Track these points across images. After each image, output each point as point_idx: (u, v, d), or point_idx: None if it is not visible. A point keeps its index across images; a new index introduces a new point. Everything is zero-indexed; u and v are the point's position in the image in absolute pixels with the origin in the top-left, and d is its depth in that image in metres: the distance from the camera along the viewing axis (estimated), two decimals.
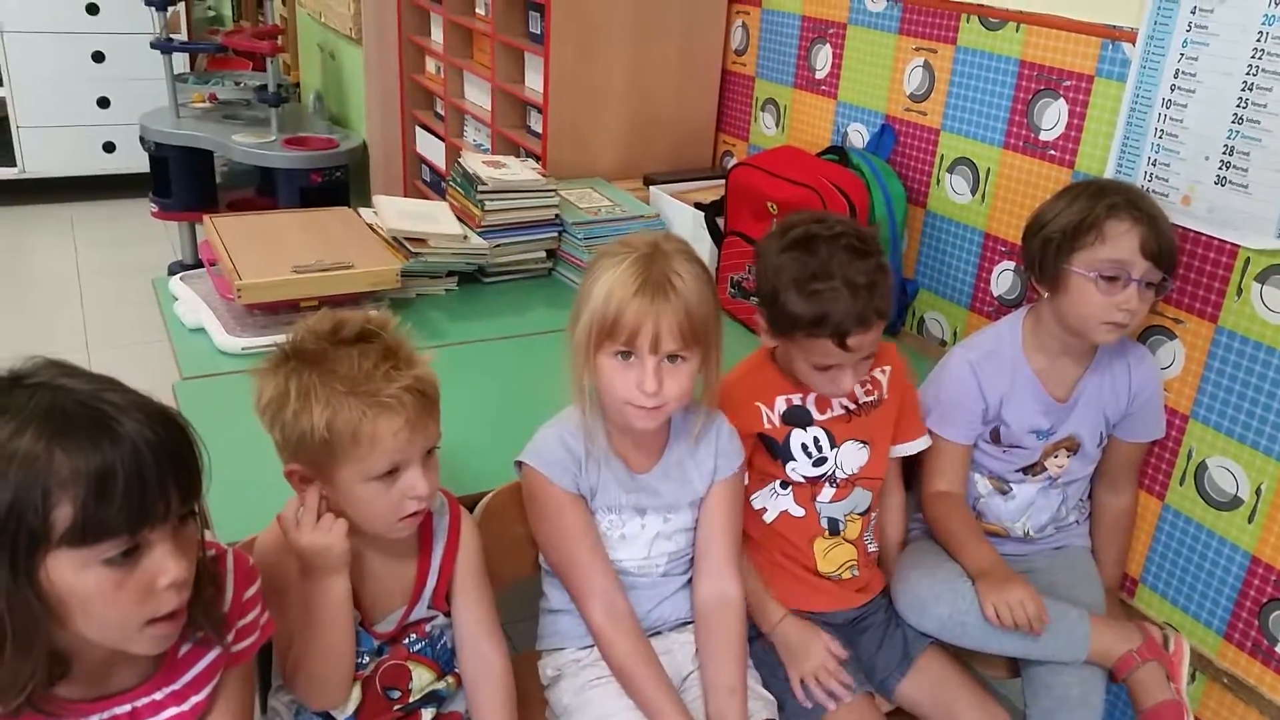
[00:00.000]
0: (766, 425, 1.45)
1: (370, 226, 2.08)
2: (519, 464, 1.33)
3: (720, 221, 2.19)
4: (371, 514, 1.12)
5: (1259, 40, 1.45)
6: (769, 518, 1.48)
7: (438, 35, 3.10)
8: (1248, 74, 1.47)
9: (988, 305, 1.94)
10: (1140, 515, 1.69)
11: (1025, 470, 1.58)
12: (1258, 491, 1.53)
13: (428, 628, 1.25)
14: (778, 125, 2.44)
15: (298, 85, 4.61)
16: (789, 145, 2.27)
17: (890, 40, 2.08)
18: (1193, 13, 1.53)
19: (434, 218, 2.08)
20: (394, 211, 2.08)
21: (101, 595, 0.83)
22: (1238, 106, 1.49)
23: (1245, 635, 1.57)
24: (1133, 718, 1.46)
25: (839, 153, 2.09)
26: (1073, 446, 1.56)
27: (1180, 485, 1.64)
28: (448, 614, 1.27)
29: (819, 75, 2.28)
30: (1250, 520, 1.54)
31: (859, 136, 2.19)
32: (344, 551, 1.12)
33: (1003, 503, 1.60)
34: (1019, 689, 1.50)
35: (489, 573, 1.30)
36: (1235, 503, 1.56)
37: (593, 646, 1.33)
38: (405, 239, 1.98)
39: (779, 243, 1.38)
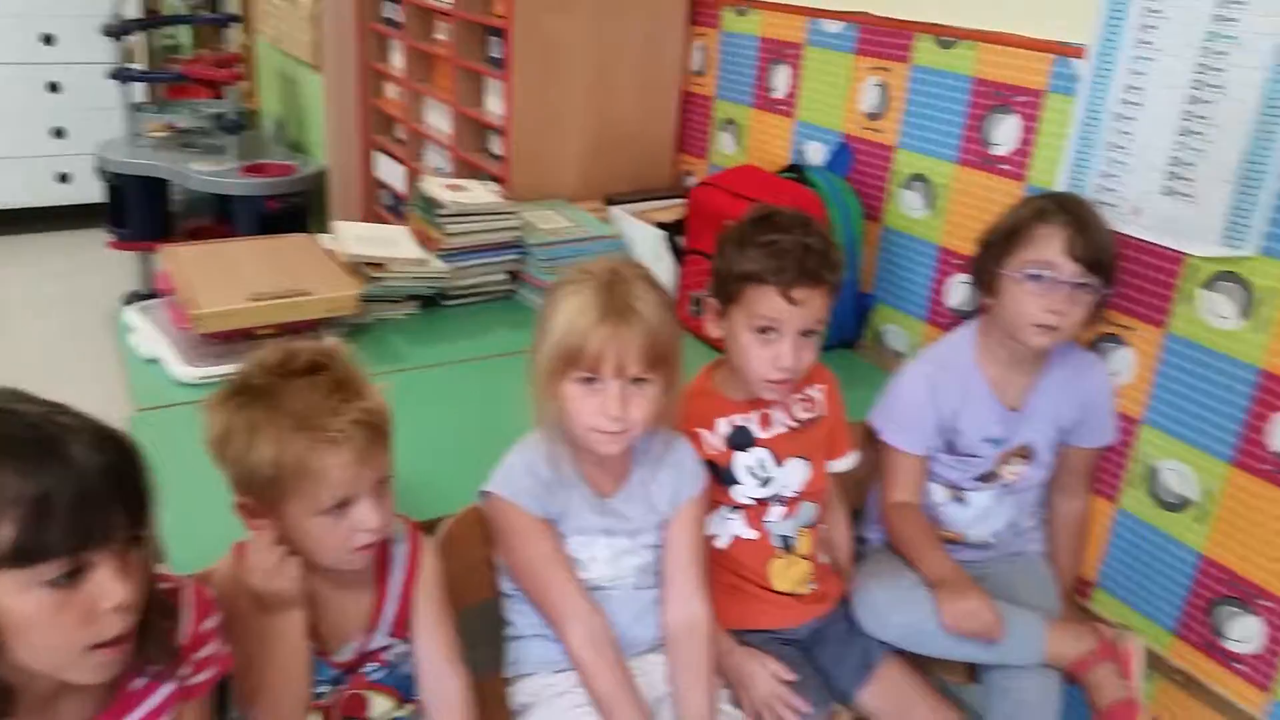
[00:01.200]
0: (710, 450, 1.46)
1: (328, 252, 2.07)
2: (485, 493, 1.32)
3: (681, 240, 2.21)
4: (323, 547, 1.12)
5: (1202, 55, 1.49)
6: (721, 543, 1.49)
7: (397, 60, 3.11)
8: (1192, 88, 1.51)
9: (944, 317, 1.97)
10: (1094, 519, 1.72)
11: (981, 478, 1.60)
12: (1207, 493, 1.56)
13: (387, 656, 1.24)
14: (737, 145, 2.46)
15: (257, 113, 4.60)
16: (748, 164, 2.29)
17: (846, 60, 2.11)
18: (1140, 29, 1.57)
19: (393, 242, 2.08)
20: (352, 236, 2.08)
21: (42, 618, 0.82)
22: (1183, 119, 1.53)
23: (1197, 633, 1.60)
24: (1089, 718, 1.48)
25: (797, 171, 2.12)
26: (1026, 454, 1.59)
27: (1133, 488, 1.67)
28: (408, 641, 1.26)
29: (777, 95, 2.31)
30: (1200, 521, 1.57)
31: (817, 155, 2.22)
32: (297, 590, 1.12)
33: (959, 510, 1.62)
34: (979, 694, 1.52)
35: (451, 597, 1.30)
36: (1186, 504, 1.59)
37: (568, 671, 1.33)
38: (364, 264, 1.98)
39: (738, 224, 1.42)
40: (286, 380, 1.09)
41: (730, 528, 1.49)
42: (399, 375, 1.81)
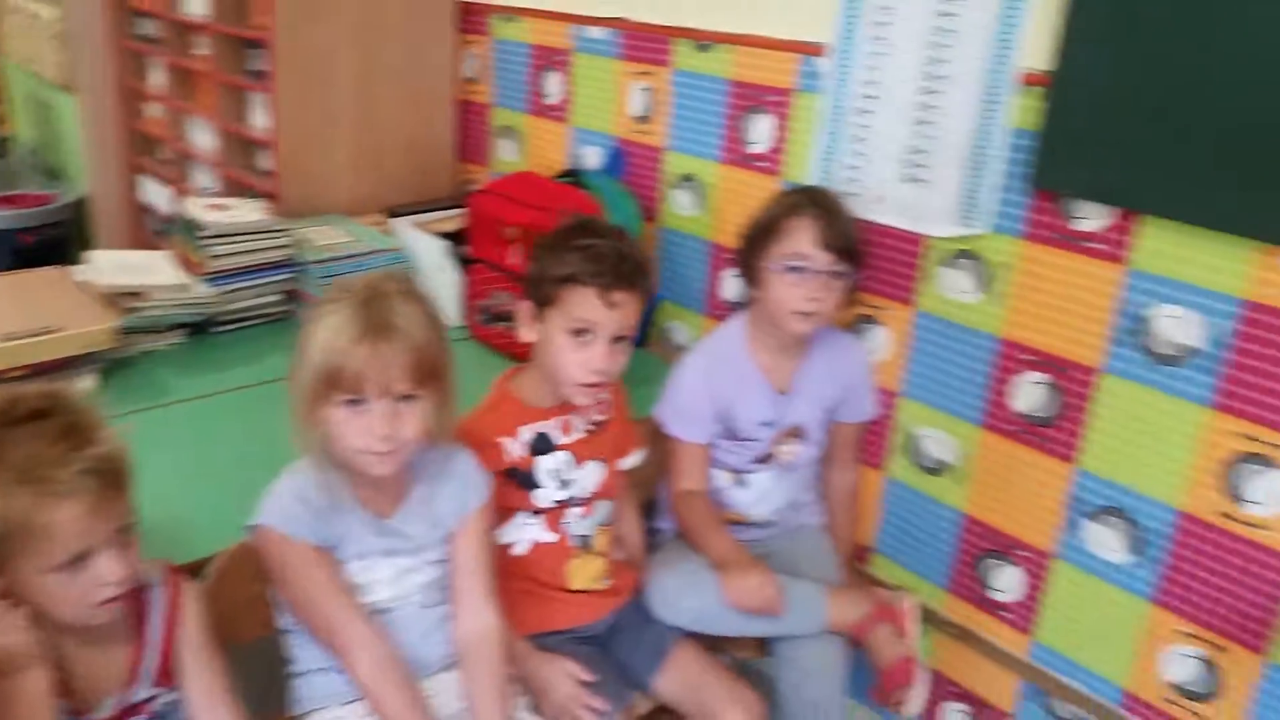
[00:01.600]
0: (512, 458, 1.45)
1: (82, 285, 1.93)
2: (255, 526, 1.27)
3: (465, 250, 2.19)
4: (62, 604, 1.05)
5: (929, 49, 1.61)
6: (520, 550, 1.49)
7: (157, 79, 2.94)
8: (923, 80, 1.63)
9: (721, 310, 2.04)
10: (867, 489, 1.83)
11: (759, 460, 1.66)
12: (963, 456, 1.69)
13: (154, 707, 1.17)
14: (517, 151, 2.47)
15: (10, 140, 4.24)
16: (526, 171, 2.30)
17: (613, 65, 2.15)
18: (874, 26, 1.67)
19: (152, 269, 1.96)
20: (109, 266, 1.95)
21: None
22: (916, 110, 1.65)
23: (966, 587, 1.73)
24: (873, 678, 1.57)
25: (574, 175, 2.14)
26: (799, 434, 1.67)
27: (898, 457, 1.78)
28: (176, 689, 1.19)
29: (551, 101, 2.33)
30: (960, 482, 1.70)
31: (593, 159, 2.25)
32: (28, 648, 1.04)
33: (741, 492, 1.68)
34: (770, 666, 1.58)
35: (226, 637, 1.24)
36: (946, 468, 1.72)
37: (356, 701, 1.29)
38: (120, 294, 1.86)
39: (554, 230, 1.44)
40: (8, 429, 1.01)
41: (529, 533, 1.49)
42: (165, 410, 1.71)
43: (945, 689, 1.80)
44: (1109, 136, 1.41)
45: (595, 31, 2.17)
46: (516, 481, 1.45)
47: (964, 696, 1.78)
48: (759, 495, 1.68)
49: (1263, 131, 1.26)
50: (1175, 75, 1.33)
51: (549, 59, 2.31)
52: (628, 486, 1.64)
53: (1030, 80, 1.49)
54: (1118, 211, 1.45)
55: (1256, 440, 1.36)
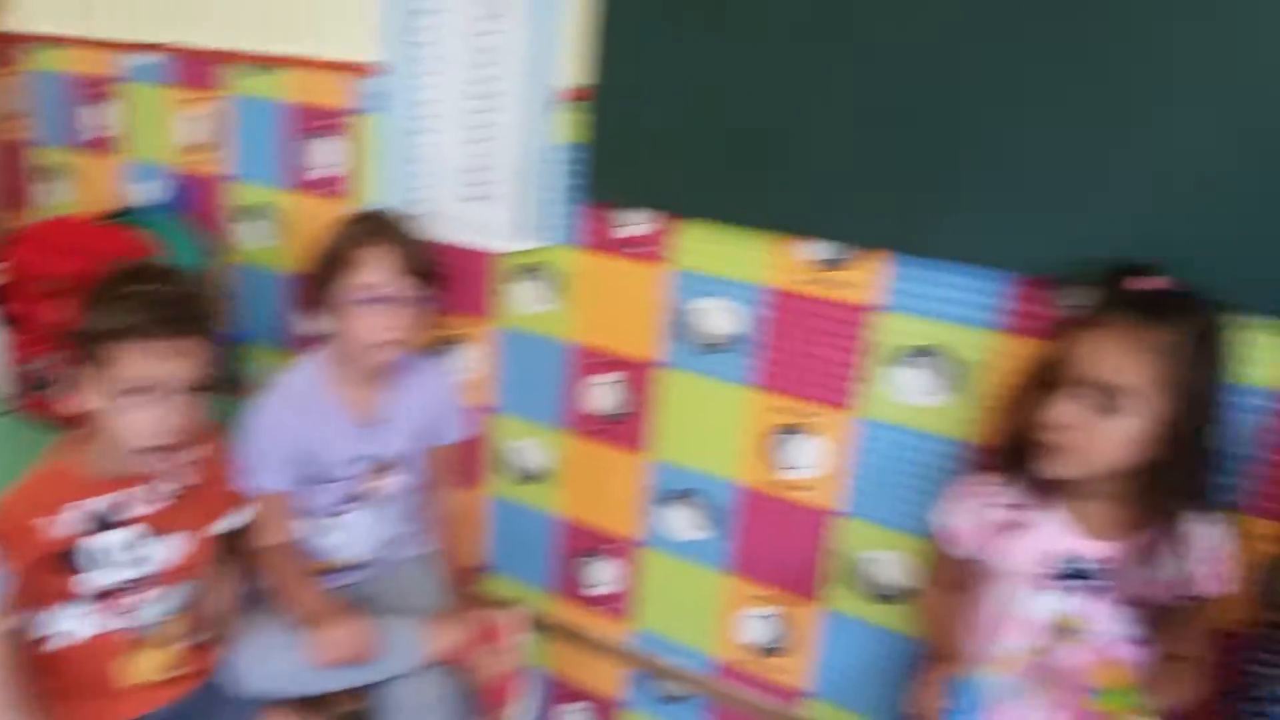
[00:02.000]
0: (56, 538, 1.28)
1: None
2: None
3: (4, 309, 1.92)
4: None
5: (475, 69, 1.63)
6: (62, 643, 1.32)
7: None
8: (474, 99, 1.64)
9: (303, 345, 1.94)
10: (472, 507, 1.84)
11: (350, 499, 1.59)
12: (555, 461, 1.74)
13: None
14: (68, 192, 2.22)
15: None
16: (68, 215, 2.07)
17: (164, 93, 2.00)
18: (424, 46, 1.66)
19: None
20: None
21: None
22: (471, 129, 1.66)
23: (569, 588, 1.79)
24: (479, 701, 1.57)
25: (127, 214, 1.96)
26: (393, 465, 1.61)
27: (497, 473, 1.81)
28: None
29: (99, 134, 2.12)
30: (556, 488, 1.75)
31: (151, 194, 2.07)
32: None
33: (335, 536, 1.60)
34: (375, 712, 1.53)
35: None
36: (542, 475, 1.76)
37: None
38: None
39: (98, 281, 1.30)
40: None
41: (79, 624, 1.32)
42: None
43: (561, 691, 1.84)
44: (647, 148, 1.50)
45: (143, 58, 2.00)
46: (61, 566, 1.29)
47: (580, 695, 1.84)
48: (353, 536, 1.61)
49: (770, 138, 1.39)
50: (698, 89, 1.43)
51: (94, 89, 2.10)
52: (222, 553, 1.51)
53: (577, 96, 1.55)
54: (661, 217, 1.54)
55: (789, 411, 1.51)
